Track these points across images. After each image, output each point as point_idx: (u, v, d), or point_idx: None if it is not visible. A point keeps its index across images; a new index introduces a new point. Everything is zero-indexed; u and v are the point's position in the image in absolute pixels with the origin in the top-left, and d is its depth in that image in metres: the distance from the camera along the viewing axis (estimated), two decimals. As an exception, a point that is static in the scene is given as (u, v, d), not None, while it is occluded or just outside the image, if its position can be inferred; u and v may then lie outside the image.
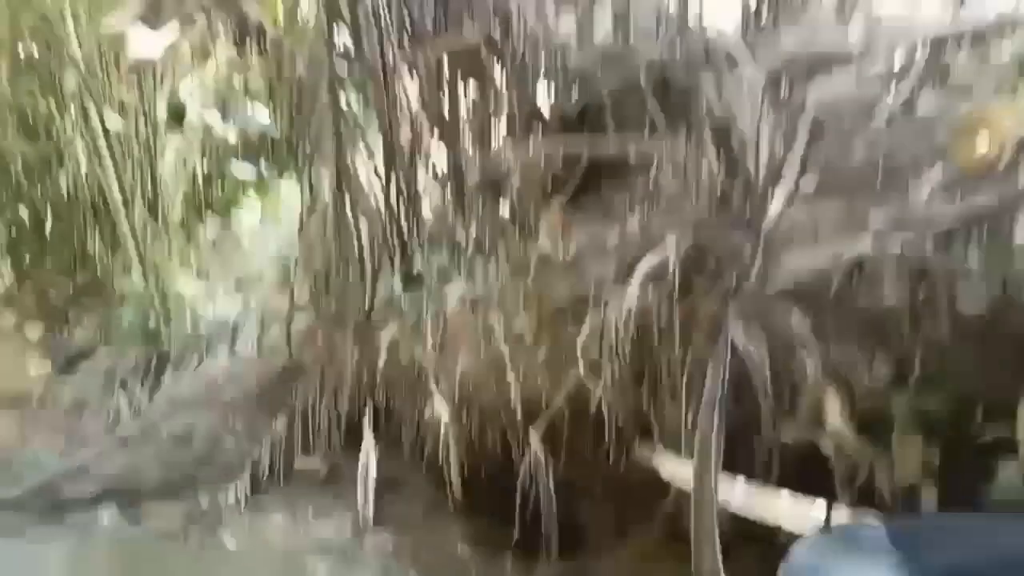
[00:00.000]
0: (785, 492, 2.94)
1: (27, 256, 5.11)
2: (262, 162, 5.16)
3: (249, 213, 5.44)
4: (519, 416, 3.62)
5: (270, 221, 5.37)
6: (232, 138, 4.86)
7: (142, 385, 4.81)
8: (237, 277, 5.28)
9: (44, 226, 4.93)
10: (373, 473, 4.25)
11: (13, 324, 5.27)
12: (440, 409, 3.77)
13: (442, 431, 3.79)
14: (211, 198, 5.08)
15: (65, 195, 4.76)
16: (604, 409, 3.34)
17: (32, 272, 5.15)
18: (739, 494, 3.00)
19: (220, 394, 4.68)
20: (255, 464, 4.48)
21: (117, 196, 4.54)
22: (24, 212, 4.97)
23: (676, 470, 3.25)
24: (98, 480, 4.54)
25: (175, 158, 4.32)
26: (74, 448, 4.63)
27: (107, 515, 4.40)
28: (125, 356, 4.91)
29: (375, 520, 4.18)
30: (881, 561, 2.03)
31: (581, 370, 3.30)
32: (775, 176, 3.29)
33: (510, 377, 3.66)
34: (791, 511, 2.88)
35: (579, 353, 3.28)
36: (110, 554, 4.17)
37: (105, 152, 4.52)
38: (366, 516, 4.18)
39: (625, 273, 3.38)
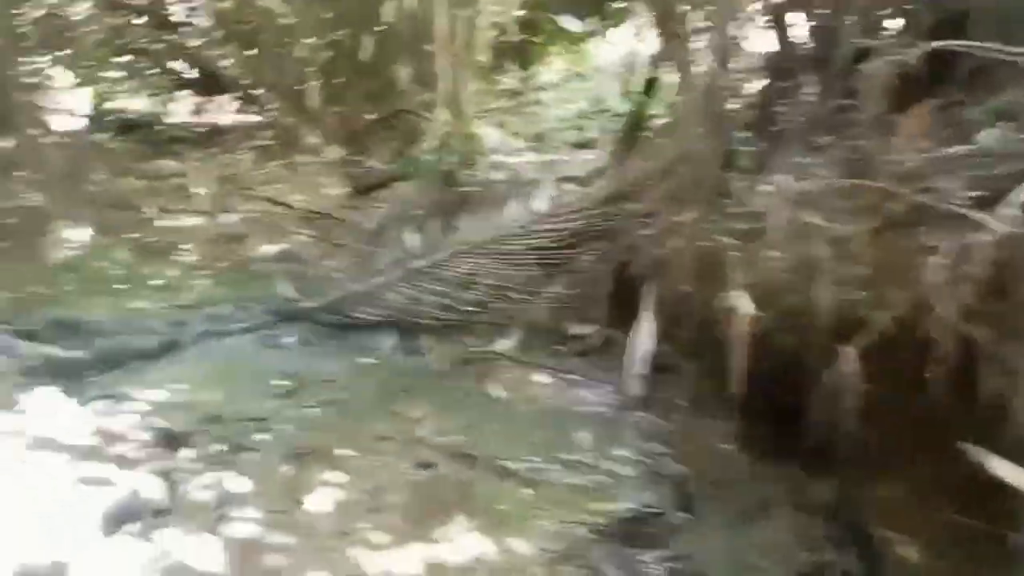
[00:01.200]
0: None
1: (339, 79, 5.24)
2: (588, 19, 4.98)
3: (556, 68, 5.33)
4: (828, 325, 3.40)
5: (577, 78, 5.24)
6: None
7: (434, 223, 4.88)
8: (538, 131, 5.22)
9: (360, 52, 5.01)
10: (647, 352, 4.18)
11: (316, 144, 5.48)
12: (739, 302, 3.58)
13: (736, 323, 3.60)
14: (525, 48, 5.00)
15: (387, 26, 4.79)
16: (938, 342, 3.05)
17: (341, 95, 5.29)
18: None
19: (508, 245, 4.69)
20: (532, 321, 4.52)
21: (439, 34, 4.52)
22: (344, 37, 5.06)
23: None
24: (383, 307, 4.71)
25: (501, 3, 4.23)
26: (364, 273, 4.79)
27: (387, 342, 4.61)
28: (421, 192, 5.01)
29: (641, 400, 4.12)
30: None
31: (921, 294, 3.02)
32: None
33: (825, 283, 3.43)
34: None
35: (925, 274, 2.99)
36: (387, 379, 4.31)
37: (435, -13, 4.50)
38: (633, 394, 4.13)
39: (990, 195, 3.05)
